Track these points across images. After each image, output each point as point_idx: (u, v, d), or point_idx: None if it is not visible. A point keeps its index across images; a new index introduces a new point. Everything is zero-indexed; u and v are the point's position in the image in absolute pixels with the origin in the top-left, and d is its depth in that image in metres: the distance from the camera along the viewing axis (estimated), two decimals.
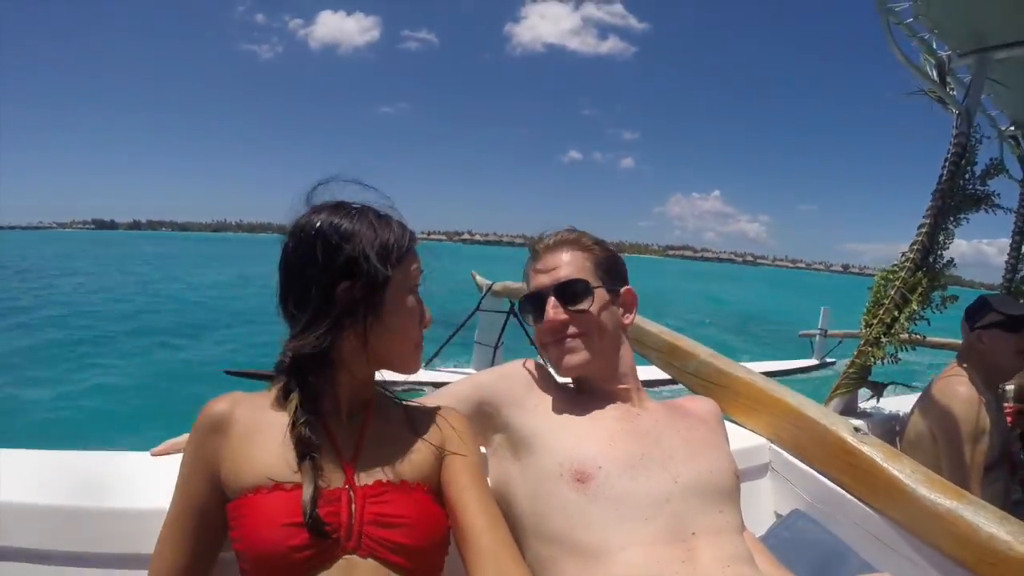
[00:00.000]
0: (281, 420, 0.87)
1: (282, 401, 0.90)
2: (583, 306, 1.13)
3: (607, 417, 1.11)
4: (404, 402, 1.03)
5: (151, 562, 0.88)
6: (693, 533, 0.98)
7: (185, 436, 1.00)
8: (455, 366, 6.66)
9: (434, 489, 0.93)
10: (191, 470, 0.88)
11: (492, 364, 5.74)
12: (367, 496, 0.84)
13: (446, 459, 0.96)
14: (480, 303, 5.97)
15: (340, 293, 0.87)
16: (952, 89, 2.31)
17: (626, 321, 1.20)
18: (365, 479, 0.87)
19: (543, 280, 1.16)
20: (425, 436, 0.97)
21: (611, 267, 1.19)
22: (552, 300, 1.13)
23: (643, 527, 0.96)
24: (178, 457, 0.93)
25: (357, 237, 0.89)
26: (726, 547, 0.99)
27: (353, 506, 0.83)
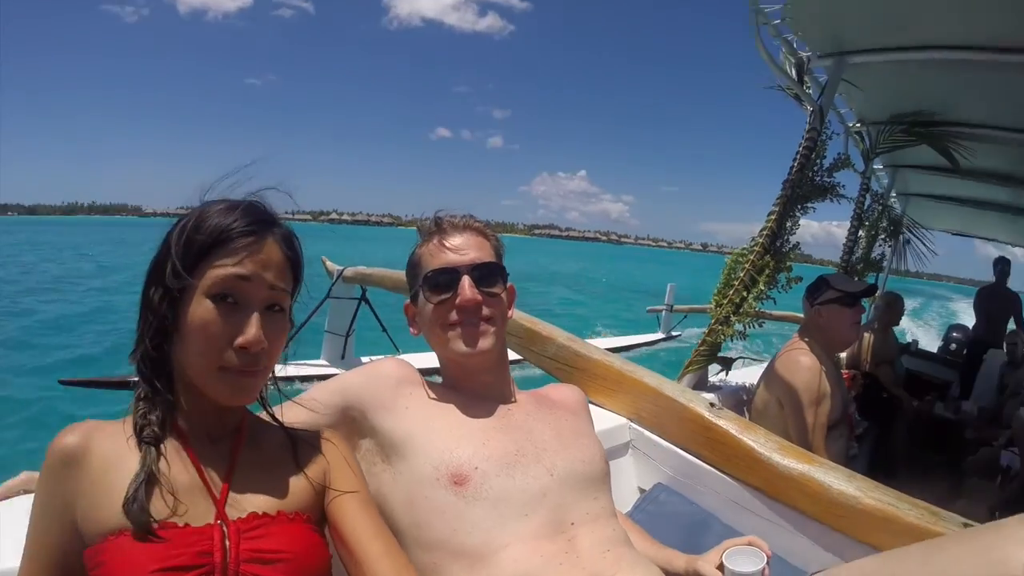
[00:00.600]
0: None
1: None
2: (497, 290, 1.13)
3: (480, 415, 1.10)
4: (284, 425, 0.92)
5: None
6: (572, 523, 1.01)
7: (26, 475, 0.90)
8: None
9: (316, 519, 0.86)
10: (42, 516, 0.76)
11: (343, 353, 5.66)
12: (242, 530, 0.76)
13: (331, 487, 0.89)
14: (331, 290, 5.60)
15: (149, 299, 0.79)
16: (808, 88, 2.51)
17: (510, 314, 1.21)
18: (238, 511, 0.78)
19: (455, 258, 1.12)
20: (306, 462, 0.89)
21: (501, 260, 1.20)
22: (467, 279, 1.10)
23: (523, 524, 0.97)
24: (20, 505, 0.82)
25: (172, 235, 0.79)
26: (603, 531, 1.03)
27: (227, 543, 0.74)
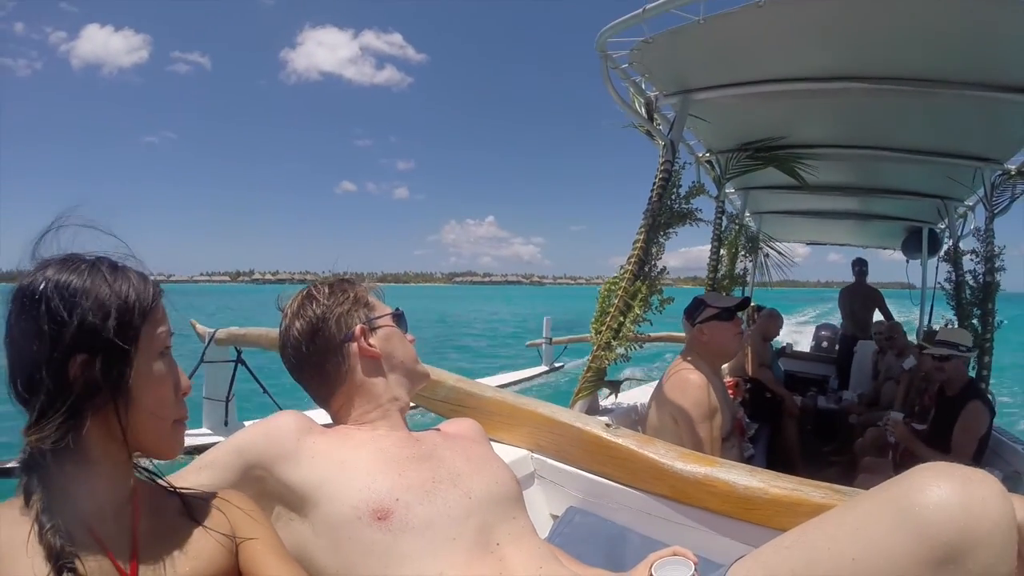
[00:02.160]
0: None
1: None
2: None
3: (390, 449, 1.09)
4: (177, 489, 0.88)
5: None
6: (498, 543, 1.02)
7: None
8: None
9: None
10: None
11: (226, 420, 5.38)
12: None
13: (242, 545, 0.86)
14: (204, 354, 5.31)
15: (75, 372, 0.72)
16: (659, 124, 2.74)
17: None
18: None
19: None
20: (210, 524, 0.85)
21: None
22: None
23: (452, 547, 0.97)
24: None
25: (89, 298, 0.73)
26: (531, 548, 1.05)
27: None
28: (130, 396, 0.75)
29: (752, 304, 4.95)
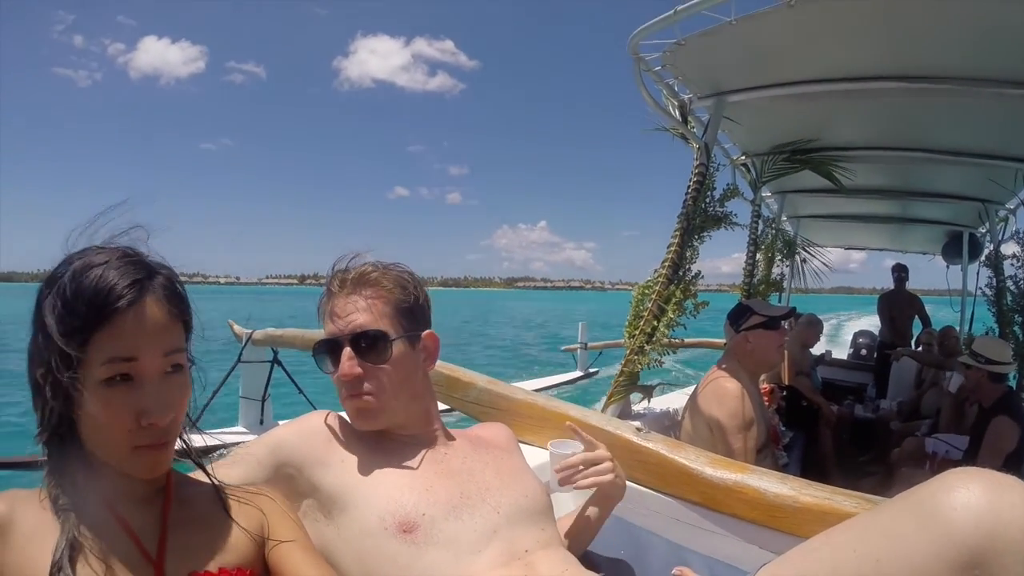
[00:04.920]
0: None
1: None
2: (379, 361, 1.07)
3: (419, 463, 1.08)
4: (213, 480, 0.88)
5: None
6: (526, 551, 1.02)
7: None
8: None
9: (258, 574, 0.84)
10: None
11: (261, 419, 5.45)
12: None
13: (271, 539, 0.86)
14: (241, 354, 5.42)
15: (37, 383, 0.72)
16: (693, 127, 2.71)
17: (428, 367, 1.17)
18: (178, 571, 0.75)
19: (338, 326, 1.08)
20: (242, 517, 0.86)
21: (413, 310, 1.12)
22: (347, 351, 1.06)
23: (478, 559, 0.98)
24: None
25: (45, 307, 0.71)
26: (558, 554, 1.05)
27: None
28: (83, 419, 0.73)
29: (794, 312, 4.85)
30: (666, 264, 2.32)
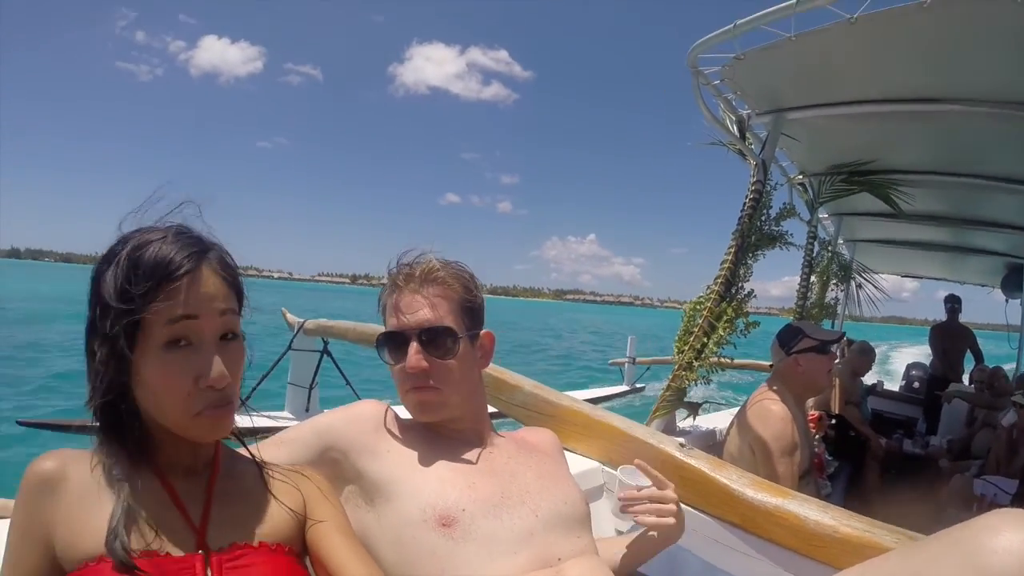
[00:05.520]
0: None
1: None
2: (447, 356, 1.09)
3: (463, 459, 1.09)
4: (258, 459, 0.91)
5: None
6: (559, 559, 1.02)
7: (4, 502, 0.87)
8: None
9: (297, 551, 0.85)
10: (20, 542, 0.75)
11: (307, 406, 5.57)
12: (223, 561, 0.75)
13: (311, 519, 0.88)
14: (292, 342, 5.54)
15: (95, 354, 0.75)
16: (750, 143, 2.66)
17: (483, 365, 1.18)
18: (219, 541, 0.77)
19: (406, 321, 1.09)
20: (283, 495, 0.88)
21: (473, 309, 1.14)
22: (415, 345, 1.08)
23: (512, 560, 0.98)
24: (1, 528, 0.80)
25: (105, 276, 0.74)
26: (591, 564, 1.03)
27: (209, 572, 0.74)
28: (143, 386, 0.75)
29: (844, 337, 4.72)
30: (719, 281, 2.28)
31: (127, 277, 0.72)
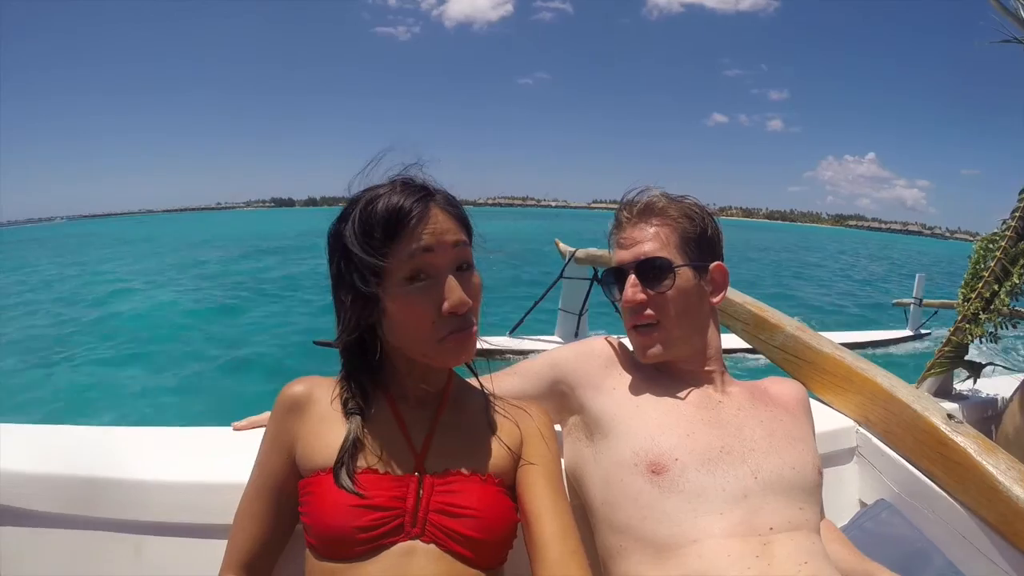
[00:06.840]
0: None
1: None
2: (663, 288, 1.06)
3: (687, 405, 1.06)
4: (489, 394, 1.00)
5: (231, 533, 0.91)
6: (770, 528, 0.93)
7: (266, 414, 1.02)
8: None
9: (508, 484, 0.91)
10: (270, 447, 0.91)
11: (576, 331, 5.91)
12: (435, 484, 0.84)
13: (524, 459, 0.94)
14: (563, 270, 5.96)
15: (342, 302, 0.86)
16: None
17: (714, 300, 1.13)
18: (436, 467, 0.86)
19: (624, 255, 1.11)
20: (504, 430, 0.95)
21: (700, 241, 1.10)
22: (632, 278, 1.08)
23: (717, 521, 0.92)
24: (258, 433, 0.96)
25: (344, 232, 0.84)
26: (803, 543, 0.94)
27: (421, 492, 0.83)
28: (390, 322, 0.84)
29: None
30: (1016, 215, 1.84)
31: (364, 230, 0.81)
